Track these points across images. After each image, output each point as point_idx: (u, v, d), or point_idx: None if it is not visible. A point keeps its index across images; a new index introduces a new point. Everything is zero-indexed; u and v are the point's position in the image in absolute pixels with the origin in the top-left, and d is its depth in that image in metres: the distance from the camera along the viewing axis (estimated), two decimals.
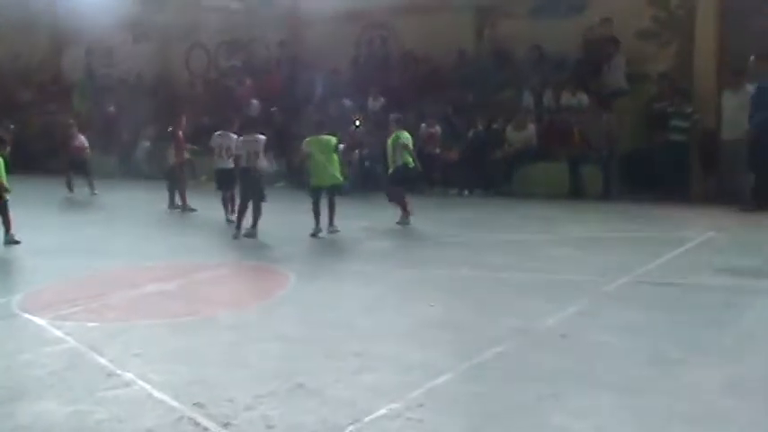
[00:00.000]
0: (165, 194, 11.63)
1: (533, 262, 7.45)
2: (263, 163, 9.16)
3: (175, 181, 11.43)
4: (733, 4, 11.32)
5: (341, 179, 9.12)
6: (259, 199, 8.87)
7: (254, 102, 15.04)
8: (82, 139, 13.98)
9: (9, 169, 8.89)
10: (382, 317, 5.77)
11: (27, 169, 14.19)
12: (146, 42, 18.32)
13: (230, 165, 9.94)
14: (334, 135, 9.24)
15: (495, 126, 12.62)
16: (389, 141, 9.72)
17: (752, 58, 10.22)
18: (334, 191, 8.97)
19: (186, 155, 11.56)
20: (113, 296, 6.47)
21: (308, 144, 9.00)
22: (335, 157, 9.03)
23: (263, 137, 9.11)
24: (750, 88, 10.18)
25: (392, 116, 10.19)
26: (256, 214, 8.86)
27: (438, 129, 12.85)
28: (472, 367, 4.59)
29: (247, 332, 5.38)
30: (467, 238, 8.63)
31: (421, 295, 6.33)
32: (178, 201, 11.41)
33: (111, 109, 17.64)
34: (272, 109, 14.50)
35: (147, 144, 16.29)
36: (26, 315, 5.90)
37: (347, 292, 6.59)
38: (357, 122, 13.42)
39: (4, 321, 5.78)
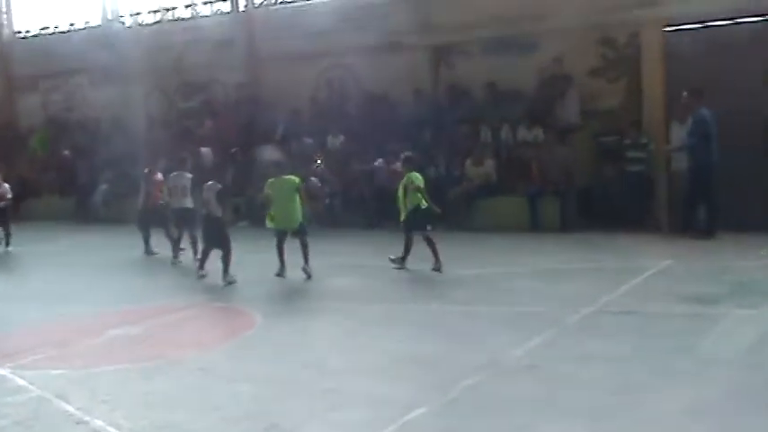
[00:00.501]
0: (127, 239, 11.50)
1: (498, 295, 7.56)
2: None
3: (149, 225, 11.03)
4: (676, 42, 11.77)
5: (299, 221, 8.78)
6: (225, 245, 8.70)
7: (204, 149, 14.95)
8: (6, 188, 12.96)
9: None
10: (353, 353, 5.80)
11: None
12: (103, 86, 18.23)
13: (188, 204, 10.13)
14: (295, 175, 9.11)
15: (454, 162, 12.79)
16: (400, 185, 9.18)
17: (684, 93, 10.72)
18: (299, 233, 8.78)
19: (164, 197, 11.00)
20: (77, 342, 6.39)
21: (269, 186, 8.86)
22: (297, 197, 8.83)
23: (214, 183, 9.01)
24: (689, 123, 10.57)
25: (403, 155, 9.65)
26: (227, 260, 8.66)
27: (399, 165, 12.96)
28: (445, 401, 4.64)
29: (216, 374, 5.35)
30: (432, 273, 8.70)
31: (390, 331, 6.38)
32: (153, 247, 11.11)
33: (66, 153, 17.44)
34: (232, 150, 14.51)
35: (104, 187, 16.13)
36: None
37: (316, 330, 6.61)
38: (318, 161, 13.51)
39: None
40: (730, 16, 11.16)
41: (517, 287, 7.86)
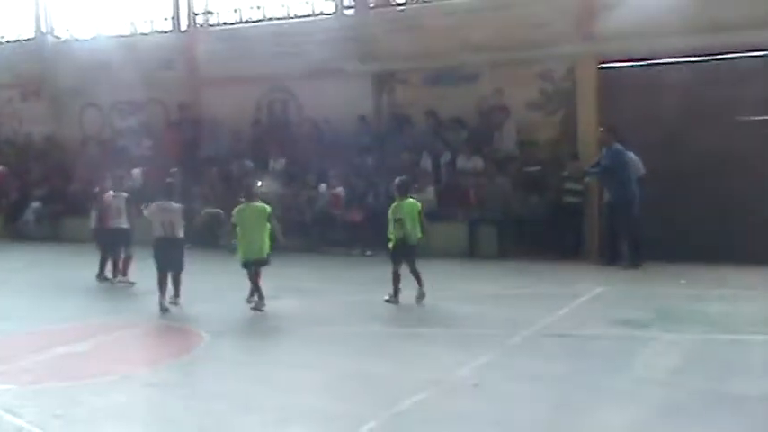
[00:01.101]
0: (62, 257, 11.29)
1: (440, 318, 7.78)
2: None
3: (107, 245, 10.42)
4: (609, 78, 12.37)
5: (266, 254, 8.24)
6: (181, 267, 8.37)
7: (136, 171, 14.83)
8: None
9: None
10: (299, 371, 5.90)
11: None
12: (35, 101, 17.86)
13: (123, 224, 10.13)
14: (265, 202, 8.56)
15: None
16: (390, 212, 8.63)
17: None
18: (259, 264, 8.23)
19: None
20: (23, 359, 6.28)
21: (237, 213, 8.27)
22: (268, 226, 8.25)
23: (179, 205, 8.55)
24: (604, 154, 11.06)
25: (396, 180, 8.85)
26: (179, 281, 8.37)
27: (341, 190, 13.16)
28: (393, 416, 4.80)
29: (167, 389, 5.38)
30: (373, 296, 8.83)
31: (335, 351, 6.50)
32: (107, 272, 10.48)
33: (1, 168, 17.01)
34: (171, 170, 14.43)
35: (36, 205, 15.79)
36: None
37: (262, 349, 6.68)
38: (259, 183, 13.52)
39: None
40: (665, 56, 11.79)
41: (459, 311, 8.09)
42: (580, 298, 8.52)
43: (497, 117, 13.09)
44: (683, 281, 9.53)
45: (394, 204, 8.62)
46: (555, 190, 12.14)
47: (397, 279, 8.44)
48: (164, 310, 8.09)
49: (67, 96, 17.31)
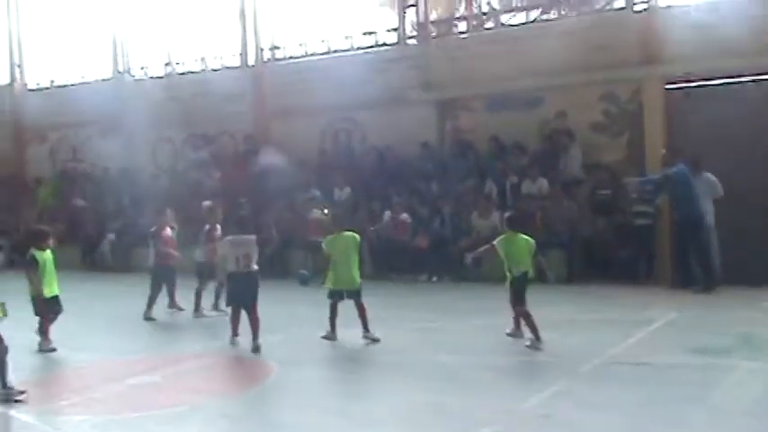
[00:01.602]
0: (136, 287, 11.57)
1: (509, 345, 7.69)
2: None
3: (161, 282, 10.30)
4: (676, 100, 12.15)
5: (358, 283, 8.14)
6: (252, 301, 7.92)
7: (206, 204, 15.06)
8: None
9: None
10: (372, 402, 5.92)
11: None
12: (112, 137, 18.57)
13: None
14: (354, 231, 8.42)
15: (460, 215, 13.02)
16: (501, 245, 7.92)
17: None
18: (356, 294, 8.09)
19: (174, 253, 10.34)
20: (98, 389, 6.47)
21: (328, 243, 8.17)
22: (356, 257, 8.20)
23: (253, 237, 8.14)
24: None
25: (507, 215, 8.43)
26: (257, 326, 7.89)
27: (407, 216, 13.20)
28: None
29: (241, 420, 5.47)
30: (442, 323, 8.82)
31: (406, 380, 6.50)
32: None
33: (80, 202, 17.67)
34: (240, 200, 14.74)
35: (112, 237, 16.33)
36: (10, 412, 5.86)
37: (332, 379, 6.72)
38: (325, 211, 13.70)
39: None
40: (732, 75, 11.53)
41: (528, 338, 7.98)
42: (653, 324, 8.31)
43: (562, 140, 12.99)
44: (765, 304, 9.18)
45: (503, 237, 8.01)
46: (624, 212, 11.93)
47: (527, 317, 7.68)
48: (234, 344, 8.04)
49: (142, 131, 17.93)
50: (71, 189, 18.29)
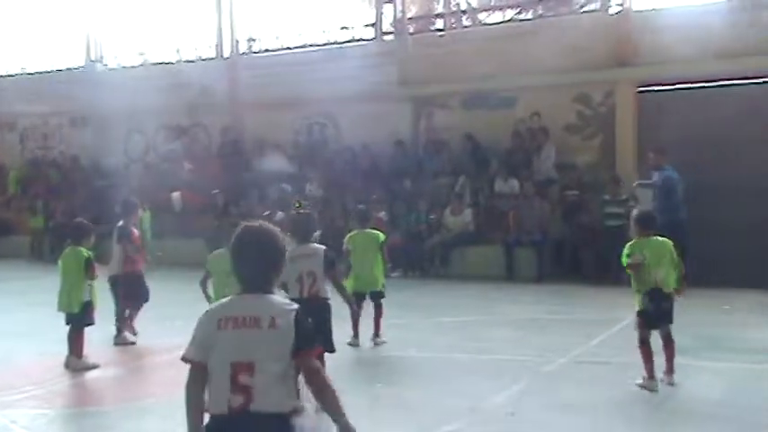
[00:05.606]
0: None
1: (475, 343, 7.69)
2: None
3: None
4: (648, 102, 12.25)
5: (381, 284, 7.55)
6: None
7: (175, 194, 14.88)
8: None
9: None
10: None
11: None
12: (83, 126, 18.33)
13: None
14: (378, 229, 7.89)
15: (433, 212, 13.02)
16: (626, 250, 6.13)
17: (650, 153, 11.06)
18: (378, 296, 7.56)
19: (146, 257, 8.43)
20: (58, 382, 6.36)
21: (349, 240, 7.59)
22: (380, 256, 7.58)
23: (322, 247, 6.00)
24: (656, 177, 10.74)
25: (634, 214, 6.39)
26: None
27: (384, 214, 13.14)
28: None
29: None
30: (409, 320, 8.79)
31: (368, 375, 6.47)
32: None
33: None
34: (213, 191, 14.62)
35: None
36: None
37: None
38: (298, 205, 13.61)
39: None
40: (703, 80, 11.66)
41: (493, 335, 8.00)
42: (619, 324, 8.33)
43: (536, 139, 13.05)
44: (726, 306, 9.29)
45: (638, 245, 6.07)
46: (595, 213, 11.99)
47: None
48: None
49: (113, 122, 17.71)
50: (38, 178, 18.02)
